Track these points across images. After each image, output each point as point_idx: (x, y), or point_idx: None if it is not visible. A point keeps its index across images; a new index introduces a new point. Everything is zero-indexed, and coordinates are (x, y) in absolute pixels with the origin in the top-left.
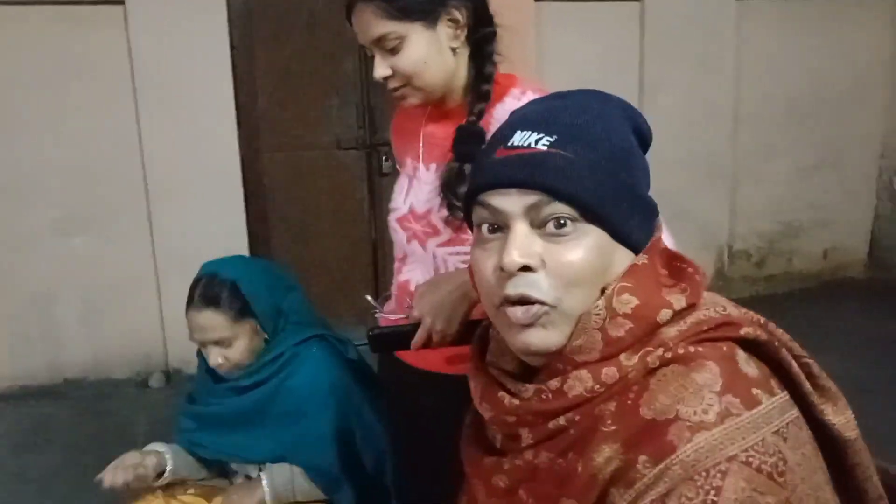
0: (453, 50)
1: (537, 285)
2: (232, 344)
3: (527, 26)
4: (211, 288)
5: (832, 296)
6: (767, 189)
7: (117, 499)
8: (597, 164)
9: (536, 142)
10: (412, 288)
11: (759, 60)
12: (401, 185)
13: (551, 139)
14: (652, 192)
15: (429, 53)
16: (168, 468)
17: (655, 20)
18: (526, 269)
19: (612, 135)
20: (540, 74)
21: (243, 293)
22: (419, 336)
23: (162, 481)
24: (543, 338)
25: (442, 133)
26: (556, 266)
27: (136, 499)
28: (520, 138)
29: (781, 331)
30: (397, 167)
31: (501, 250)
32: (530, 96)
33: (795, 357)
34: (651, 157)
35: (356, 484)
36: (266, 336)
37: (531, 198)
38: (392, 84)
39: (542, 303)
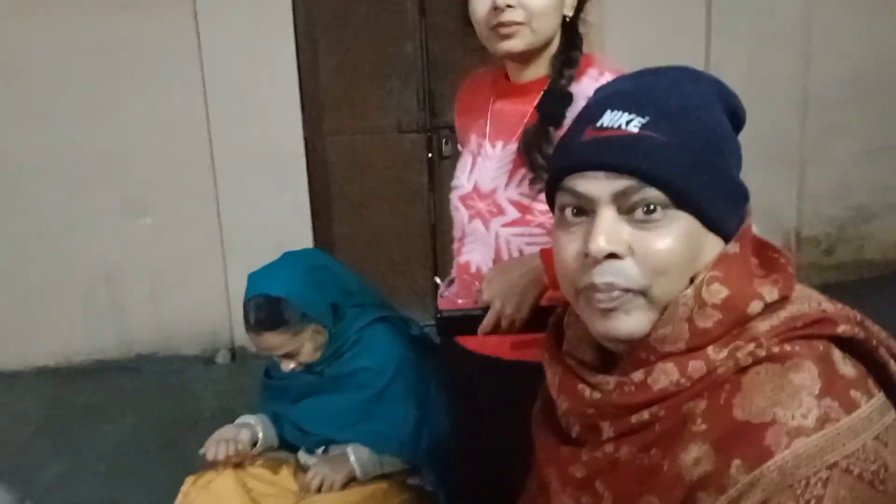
0: (564, 17)
1: (625, 273)
2: (299, 351)
3: (592, 3)
4: (263, 310)
5: None
6: (836, 172)
7: (187, 470)
8: (690, 147)
9: (628, 123)
10: (473, 269)
11: (827, 39)
12: (464, 162)
13: (643, 120)
14: None
15: (556, 4)
16: (259, 438)
17: None
18: (612, 256)
19: (706, 116)
20: (604, 52)
21: (295, 305)
22: (487, 320)
23: (256, 451)
24: (628, 324)
25: (511, 110)
26: (644, 254)
27: (209, 469)
28: (610, 119)
29: (878, 327)
30: (458, 146)
31: (586, 235)
32: (608, 77)
33: (893, 356)
34: None
35: (433, 460)
36: (330, 329)
37: (621, 183)
38: (511, 16)
39: (629, 289)
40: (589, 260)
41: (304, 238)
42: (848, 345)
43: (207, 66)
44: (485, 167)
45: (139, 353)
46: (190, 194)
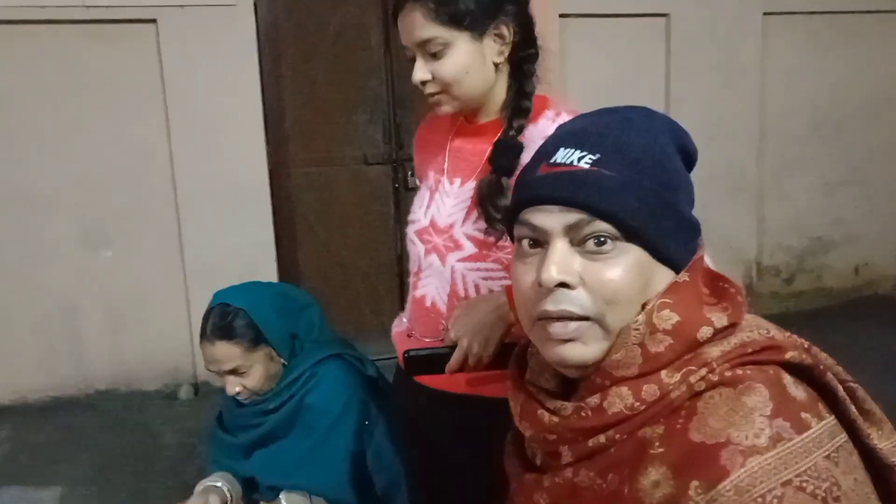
0: (496, 65)
1: (577, 301)
2: (248, 372)
3: (552, 41)
4: (223, 319)
5: (864, 313)
6: (794, 204)
7: None
8: (639, 183)
9: (579, 159)
10: (428, 303)
11: (784, 75)
12: (421, 197)
13: (594, 157)
14: None
15: (471, 64)
16: (229, 498)
17: (680, 35)
18: (564, 286)
19: (657, 153)
20: (564, 89)
21: (255, 321)
22: (455, 359)
23: None
24: (581, 352)
25: (470, 148)
26: (594, 284)
27: None
28: (563, 156)
29: (825, 354)
30: (416, 180)
31: (541, 266)
32: (565, 118)
33: (841, 381)
34: None
35: (367, 499)
36: (283, 361)
37: (572, 216)
38: (429, 89)
39: (584, 318)
40: (543, 289)
41: (268, 271)
42: (797, 370)
43: (170, 96)
44: (442, 203)
45: (98, 390)
46: (151, 226)
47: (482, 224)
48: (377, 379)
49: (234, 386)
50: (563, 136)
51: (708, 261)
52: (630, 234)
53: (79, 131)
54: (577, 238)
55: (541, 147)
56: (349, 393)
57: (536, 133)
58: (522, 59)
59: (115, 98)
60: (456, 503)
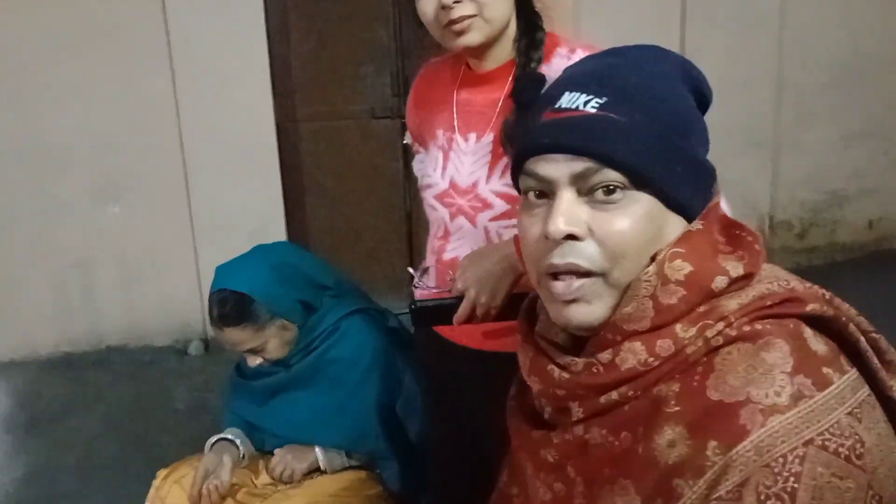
0: None
1: (585, 253)
2: (264, 347)
3: None
4: (225, 306)
5: (878, 267)
6: (810, 157)
7: (159, 463)
8: (649, 127)
9: (585, 104)
10: None
11: (803, 25)
12: (433, 158)
13: (601, 101)
14: None
15: None
16: (244, 454)
17: None
18: (571, 237)
19: (668, 95)
20: (578, 36)
21: (259, 301)
22: (462, 309)
23: (242, 465)
24: (586, 313)
25: (480, 100)
26: (603, 235)
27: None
28: (568, 100)
29: (847, 305)
30: (412, 143)
31: (547, 217)
32: (580, 54)
33: (863, 332)
34: None
35: (400, 453)
36: (298, 326)
37: (579, 165)
38: (460, 11)
39: (590, 272)
40: (550, 242)
41: (276, 226)
42: (818, 323)
43: (175, 50)
44: (459, 162)
45: (110, 345)
46: (159, 182)
47: (510, 179)
48: (399, 329)
49: (254, 360)
50: (568, 80)
51: (725, 207)
52: (640, 181)
53: (86, 87)
54: (584, 188)
55: (544, 92)
56: (375, 345)
57: (551, 73)
58: None
59: (121, 53)
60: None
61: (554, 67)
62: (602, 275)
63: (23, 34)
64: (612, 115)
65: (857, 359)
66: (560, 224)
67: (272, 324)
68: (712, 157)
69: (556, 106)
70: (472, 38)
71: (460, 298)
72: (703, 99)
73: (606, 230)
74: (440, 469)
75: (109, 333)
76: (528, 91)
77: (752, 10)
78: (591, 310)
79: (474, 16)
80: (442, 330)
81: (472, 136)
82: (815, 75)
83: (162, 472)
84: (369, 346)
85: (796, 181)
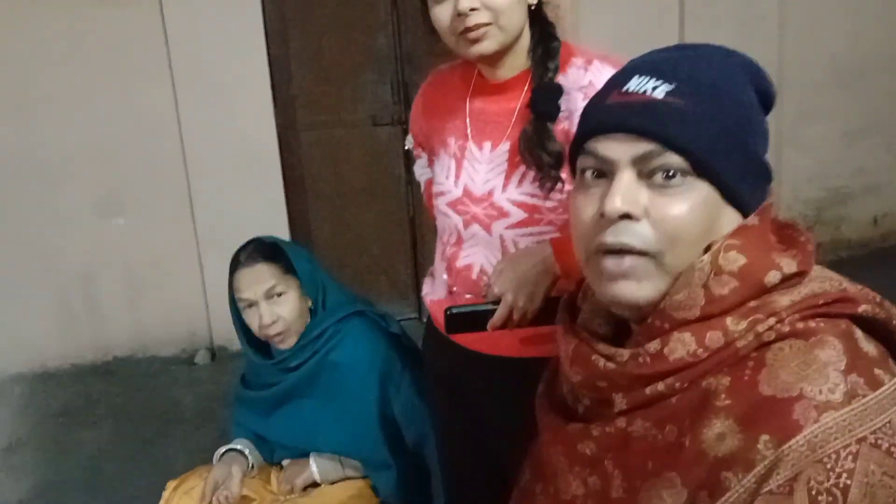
0: (529, 7)
1: (640, 234)
2: (284, 297)
3: None
4: (258, 246)
5: (883, 263)
6: (813, 155)
7: (168, 474)
8: (715, 117)
9: (654, 89)
10: (475, 274)
11: (803, 23)
12: (445, 166)
13: (670, 87)
14: None
15: None
16: (253, 465)
17: None
18: (627, 217)
19: (734, 90)
20: (577, 36)
21: (288, 254)
22: (499, 314)
23: (251, 475)
24: (634, 290)
25: (495, 109)
26: (660, 218)
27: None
28: (636, 84)
29: None
30: (414, 147)
31: (604, 197)
32: (598, 66)
33: None
34: None
35: (397, 462)
36: (310, 305)
37: (642, 146)
38: (476, 19)
39: (643, 252)
40: (604, 220)
41: (280, 234)
42: (868, 325)
43: (175, 61)
44: (473, 170)
45: (116, 356)
46: (162, 193)
47: (528, 188)
48: (400, 335)
49: (268, 316)
50: (639, 65)
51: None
52: (701, 169)
53: (86, 99)
54: (645, 170)
55: (611, 77)
56: (374, 349)
57: (568, 83)
58: (538, 6)
59: (121, 64)
60: (490, 462)
61: (570, 78)
62: (654, 257)
63: (23, 46)
64: (679, 101)
65: None
66: (618, 202)
67: (294, 280)
68: None
69: (625, 89)
70: (487, 46)
71: (496, 303)
72: (766, 100)
73: (663, 213)
74: (455, 474)
75: (116, 344)
76: (546, 102)
77: (752, 8)
78: (639, 288)
79: (489, 24)
80: (471, 343)
81: (488, 145)
82: (816, 72)
83: (171, 484)
84: (368, 351)
85: (800, 179)
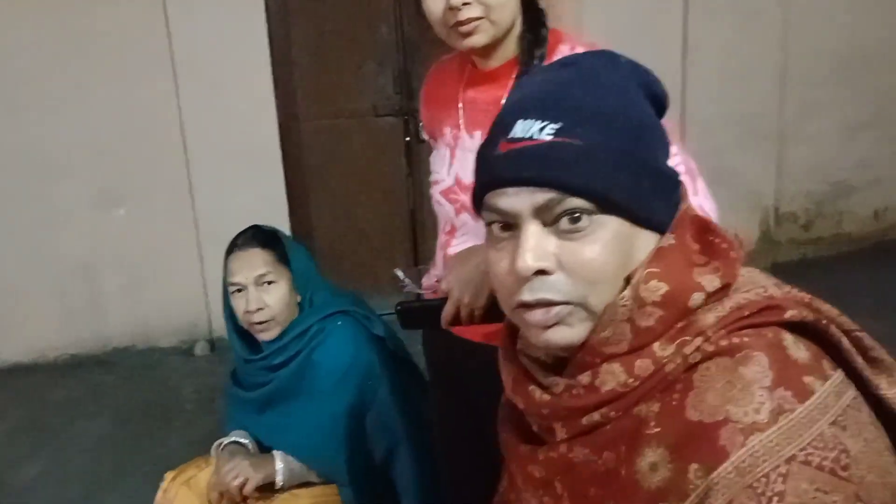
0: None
1: (556, 287)
2: (274, 286)
3: None
4: (257, 232)
5: (884, 258)
6: (815, 148)
7: (167, 464)
8: (609, 147)
9: (541, 130)
10: None
11: (805, 16)
12: (441, 155)
13: (556, 126)
14: (695, 153)
15: None
16: (252, 452)
17: None
18: (541, 272)
19: (625, 108)
20: (580, 30)
21: (283, 242)
22: (447, 310)
23: None
24: (566, 335)
25: (485, 97)
26: (573, 265)
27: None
28: (522, 129)
29: (828, 305)
30: (428, 138)
31: (514, 251)
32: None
33: (846, 332)
34: (694, 115)
35: (357, 476)
36: (299, 301)
37: (541, 196)
38: (468, 13)
39: (566, 303)
40: (520, 278)
41: (281, 225)
42: (799, 327)
43: (177, 52)
44: (465, 159)
45: (116, 347)
46: (163, 184)
47: None
48: (385, 338)
49: (255, 302)
50: (520, 105)
51: (707, 204)
52: (606, 205)
53: (88, 92)
54: (549, 218)
55: (496, 120)
56: (354, 352)
57: None
58: None
59: (123, 56)
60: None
61: None
62: (579, 303)
63: (24, 41)
64: (568, 140)
65: (840, 358)
66: (529, 260)
67: (286, 271)
68: (716, 149)
69: (511, 136)
70: (479, 39)
71: (445, 300)
72: (659, 104)
73: (576, 260)
74: (451, 466)
75: (115, 335)
76: None
77: (754, 1)
78: (571, 332)
79: (481, 18)
80: (459, 330)
81: (478, 134)
82: (819, 66)
83: (170, 475)
84: (347, 355)
85: (801, 172)
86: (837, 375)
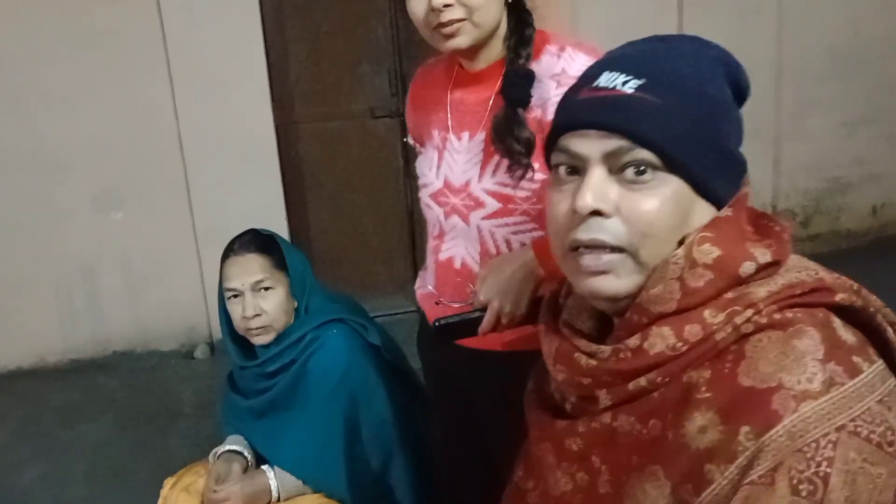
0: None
1: (611, 230)
2: (270, 292)
3: None
4: (254, 236)
5: (882, 254)
6: (812, 145)
7: (167, 468)
8: (685, 112)
9: (624, 84)
10: (457, 265)
11: (802, 12)
12: (429, 158)
13: (639, 82)
14: None
15: None
16: (250, 462)
17: None
18: (598, 214)
19: (705, 83)
20: (575, 27)
21: (280, 247)
22: (487, 320)
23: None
24: (614, 284)
25: (472, 99)
26: (631, 214)
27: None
28: (606, 79)
29: (874, 296)
30: (413, 142)
31: (576, 193)
32: (570, 52)
33: (890, 323)
34: None
35: (356, 486)
36: (295, 305)
37: (612, 142)
38: (450, 15)
39: (616, 248)
40: (576, 217)
41: (278, 228)
42: (846, 313)
43: (173, 54)
44: (453, 161)
45: (116, 351)
46: (161, 187)
47: (501, 177)
48: (379, 347)
49: (252, 308)
50: (609, 60)
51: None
52: (671, 164)
53: (84, 94)
54: (615, 166)
55: (584, 71)
56: (348, 362)
57: (541, 71)
58: None
59: (119, 59)
60: (485, 456)
61: (543, 65)
62: (629, 252)
63: (21, 41)
64: (648, 96)
65: (883, 350)
66: (588, 199)
67: (283, 277)
68: None
69: (595, 84)
70: (461, 41)
71: (483, 310)
72: (740, 92)
73: (634, 209)
74: (448, 471)
75: (115, 339)
76: (516, 88)
77: None
78: (619, 282)
79: (463, 20)
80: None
81: (466, 136)
82: (815, 62)
83: (169, 481)
84: (342, 364)
85: (798, 169)
86: (881, 363)
